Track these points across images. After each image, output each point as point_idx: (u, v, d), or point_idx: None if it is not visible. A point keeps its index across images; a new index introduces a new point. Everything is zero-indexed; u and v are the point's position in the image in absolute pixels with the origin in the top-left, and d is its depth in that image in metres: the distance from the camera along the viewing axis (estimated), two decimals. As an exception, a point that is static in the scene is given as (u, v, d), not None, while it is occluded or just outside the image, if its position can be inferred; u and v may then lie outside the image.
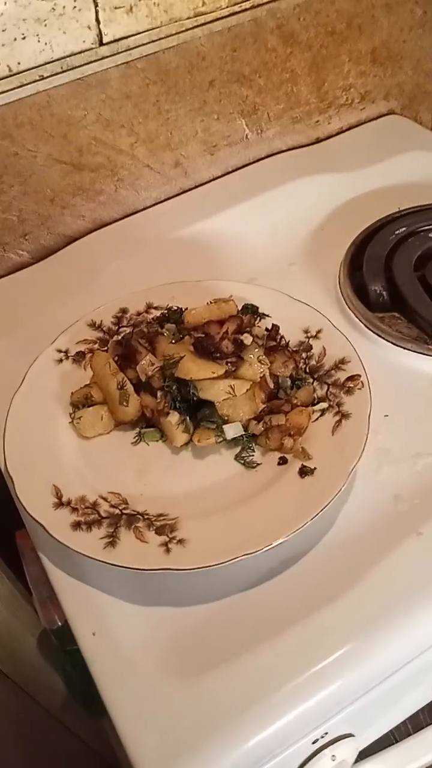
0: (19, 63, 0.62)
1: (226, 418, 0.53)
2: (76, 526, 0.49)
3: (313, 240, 0.75)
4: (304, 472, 0.50)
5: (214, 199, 0.80)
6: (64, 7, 0.61)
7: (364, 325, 0.64)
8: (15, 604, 0.82)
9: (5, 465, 0.53)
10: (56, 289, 0.72)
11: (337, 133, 0.87)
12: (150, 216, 0.79)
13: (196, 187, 0.81)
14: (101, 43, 0.65)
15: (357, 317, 0.65)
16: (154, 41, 0.67)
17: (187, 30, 0.68)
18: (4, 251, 0.74)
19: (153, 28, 0.67)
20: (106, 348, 0.61)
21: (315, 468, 0.50)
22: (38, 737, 1.04)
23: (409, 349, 0.61)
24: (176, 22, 0.67)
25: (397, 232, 0.71)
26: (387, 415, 0.58)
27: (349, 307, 0.66)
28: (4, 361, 0.66)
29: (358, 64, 0.82)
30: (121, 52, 0.66)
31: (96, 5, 0.62)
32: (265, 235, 0.75)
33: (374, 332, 0.63)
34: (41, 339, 0.63)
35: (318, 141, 0.86)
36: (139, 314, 0.64)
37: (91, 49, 0.65)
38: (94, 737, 0.99)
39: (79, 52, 0.64)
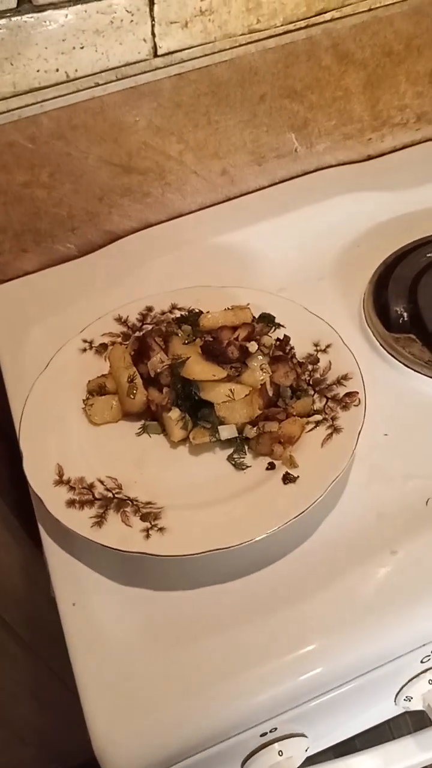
0: (76, 70, 0.67)
1: (222, 419, 0.55)
2: (71, 503, 0.53)
3: (347, 256, 0.76)
4: (287, 479, 0.52)
5: (257, 208, 0.82)
6: (121, 20, 0.65)
7: (380, 343, 0.65)
8: (35, 571, 0.87)
9: (19, 440, 0.58)
10: (95, 283, 0.76)
11: (390, 152, 0.87)
12: (193, 220, 0.82)
13: (241, 195, 0.84)
14: (155, 55, 0.69)
15: (374, 335, 0.66)
16: (207, 55, 0.70)
17: (240, 46, 0.71)
18: (52, 243, 0.79)
19: (207, 43, 0.69)
20: (127, 342, 0.65)
21: (298, 477, 0.52)
22: (48, 699, 1.09)
23: (418, 372, 0.62)
24: (230, 38, 0.70)
25: (429, 254, 0.71)
26: (387, 435, 0.59)
27: (368, 325, 0.67)
28: (37, 345, 0.70)
29: (415, 85, 0.82)
30: (175, 64, 0.70)
31: (152, 20, 0.66)
32: (300, 248, 0.77)
33: (388, 352, 0.64)
34: (73, 328, 0.68)
35: (369, 158, 0.87)
36: (162, 313, 0.67)
37: (146, 60, 0.69)
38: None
39: (134, 63, 0.68)
